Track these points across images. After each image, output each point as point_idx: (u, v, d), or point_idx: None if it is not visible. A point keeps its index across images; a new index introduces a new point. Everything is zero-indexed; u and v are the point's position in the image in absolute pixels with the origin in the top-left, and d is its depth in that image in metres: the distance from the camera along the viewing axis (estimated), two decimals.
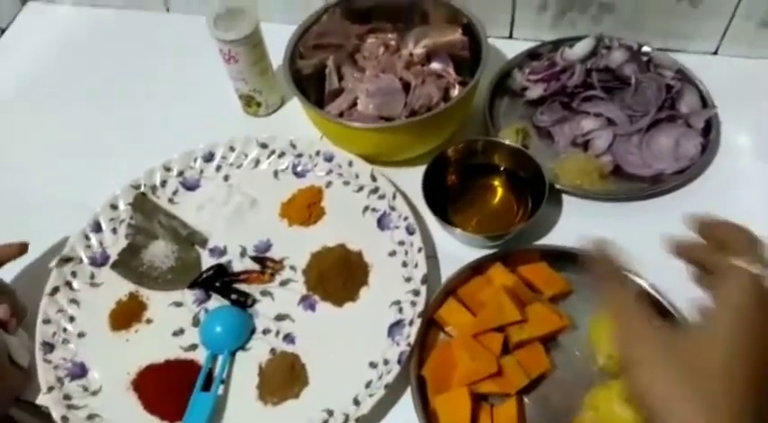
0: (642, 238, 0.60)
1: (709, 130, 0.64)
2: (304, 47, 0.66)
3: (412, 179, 0.63)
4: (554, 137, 0.67)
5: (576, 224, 0.61)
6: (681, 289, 0.54)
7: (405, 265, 0.58)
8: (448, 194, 0.63)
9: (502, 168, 0.64)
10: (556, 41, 0.73)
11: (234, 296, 0.58)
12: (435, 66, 0.70)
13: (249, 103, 0.72)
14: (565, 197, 0.63)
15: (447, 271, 0.58)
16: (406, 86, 0.66)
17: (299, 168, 0.66)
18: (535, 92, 0.69)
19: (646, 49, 0.69)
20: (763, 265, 0.35)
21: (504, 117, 0.70)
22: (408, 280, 0.57)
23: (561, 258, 0.57)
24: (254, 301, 0.58)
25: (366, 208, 0.63)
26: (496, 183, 0.65)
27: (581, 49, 0.68)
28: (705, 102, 0.66)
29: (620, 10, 0.71)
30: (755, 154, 0.65)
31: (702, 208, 0.60)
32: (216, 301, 0.59)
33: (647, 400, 0.34)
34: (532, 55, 0.73)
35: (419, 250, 0.57)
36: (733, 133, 0.66)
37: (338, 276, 0.58)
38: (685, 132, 0.64)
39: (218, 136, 0.68)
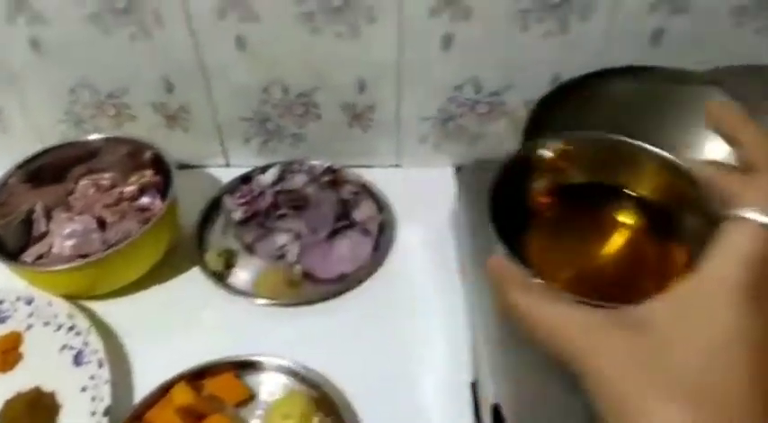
0: (332, 335, 0.68)
1: (383, 233, 0.76)
2: None
3: (120, 310, 0.68)
4: (257, 253, 0.75)
5: (270, 331, 0.67)
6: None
7: (93, 399, 0.60)
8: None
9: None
10: (264, 167, 0.83)
11: None
12: (144, 200, 0.76)
13: None
14: (266, 308, 0.70)
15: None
16: (106, 224, 0.71)
17: None
18: (238, 214, 0.77)
19: (335, 166, 0.81)
20: None
21: (220, 239, 0.77)
22: (93, 414, 0.58)
23: (246, 366, 0.62)
24: None
25: (63, 346, 0.64)
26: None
27: (270, 176, 0.78)
28: (382, 209, 0.78)
29: (309, 138, 0.82)
30: (426, 247, 0.76)
31: (379, 301, 0.71)
32: None
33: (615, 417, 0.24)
34: (245, 179, 0.82)
35: (106, 382, 0.60)
36: (408, 234, 0.77)
37: None
38: (361, 238, 0.74)
39: None
